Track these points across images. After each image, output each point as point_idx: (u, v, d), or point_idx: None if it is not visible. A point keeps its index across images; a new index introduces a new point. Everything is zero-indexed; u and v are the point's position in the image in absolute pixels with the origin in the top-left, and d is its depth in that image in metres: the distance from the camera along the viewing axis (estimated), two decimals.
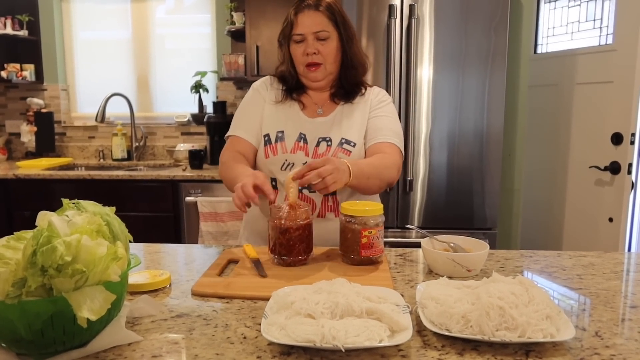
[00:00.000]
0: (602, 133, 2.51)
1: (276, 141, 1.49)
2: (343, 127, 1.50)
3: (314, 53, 1.45)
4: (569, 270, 1.21)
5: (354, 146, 1.48)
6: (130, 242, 0.93)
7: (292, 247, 1.22)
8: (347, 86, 1.54)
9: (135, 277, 1.10)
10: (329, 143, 1.48)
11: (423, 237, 1.29)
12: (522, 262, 1.30)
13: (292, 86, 1.55)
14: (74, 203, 0.86)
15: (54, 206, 0.88)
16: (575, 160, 2.75)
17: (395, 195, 2.68)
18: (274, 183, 1.52)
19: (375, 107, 1.54)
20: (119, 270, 0.78)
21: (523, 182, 3.30)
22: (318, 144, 1.49)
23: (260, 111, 1.55)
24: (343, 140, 1.48)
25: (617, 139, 2.42)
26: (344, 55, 1.50)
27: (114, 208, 0.90)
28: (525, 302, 0.85)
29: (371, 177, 1.35)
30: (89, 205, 0.86)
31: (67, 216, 0.78)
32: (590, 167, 2.57)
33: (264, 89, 1.58)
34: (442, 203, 2.69)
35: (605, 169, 2.48)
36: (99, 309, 0.73)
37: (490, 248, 1.25)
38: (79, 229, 0.76)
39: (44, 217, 0.83)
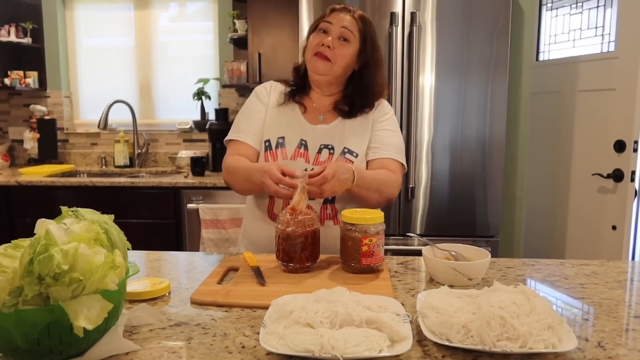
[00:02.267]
0: (604, 140, 2.50)
1: (276, 147, 1.49)
2: (346, 137, 1.50)
3: (329, 47, 1.44)
4: (571, 279, 1.20)
5: (356, 157, 1.47)
6: (129, 250, 0.93)
7: (294, 254, 1.22)
8: (357, 106, 1.52)
9: (134, 285, 1.10)
10: (332, 151, 1.48)
11: (425, 245, 1.28)
12: (524, 271, 1.29)
13: (299, 79, 1.55)
14: (72, 211, 0.86)
15: (56, 213, 0.87)
16: (578, 168, 2.74)
17: (397, 203, 2.67)
18: None
19: (379, 119, 1.54)
20: (117, 279, 0.78)
21: (525, 189, 3.29)
22: (320, 151, 1.48)
23: (262, 115, 1.54)
24: (346, 150, 1.47)
25: (619, 146, 2.41)
26: (366, 75, 1.49)
27: (112, 216, 0.90)
28: (526, 312, 0.84)
29: (371, 189, 1.37)
30: (87, 213, 0.85)
31: (65, 224, 0.78)
32: (593, 174, 2.56)
33: (266, 93, 1.58)
34: (444, 210, 2.68)
35: (608, 176, 2.47)
36: (95, 318, 0.73)
37: (493, 256, 1.24)
38: (77, 237, 0.76)
39: (42, 225, 0.82)
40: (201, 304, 1.05)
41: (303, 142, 1.49)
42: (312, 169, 1.45)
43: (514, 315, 0.82)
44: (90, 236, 0.78)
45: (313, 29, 1.51)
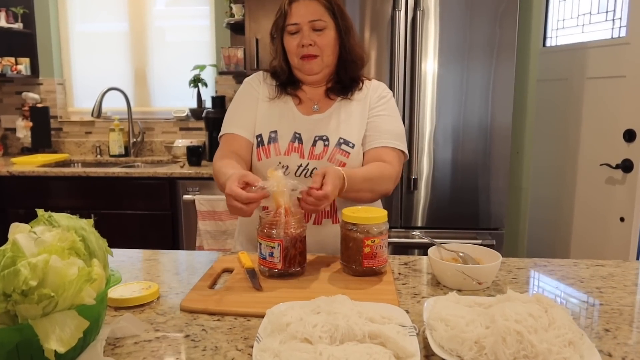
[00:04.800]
0: (613, 129, 2.42)
1: (269, 142, 1.39)
2: (341, 126, 1.40)
3: (310, 45, 1.34)
4: (587, 282, 1.13)
5: (352, 147, 1.38)
6: (111, 255, 0.85)
7: (283, 260, 1.12)
8: (345, 80, 1.44)
9: (121, 291, 1.02)
10: (327, 143, 1.38)
11: (430, 245, 1.21)
12: (536, 273, 1.21)
13: (285, 82, 1.45)
14: (47, 216, 0.78)
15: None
16: (586, 158, 2.66)
17: (399, 194, 2.59)
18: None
19: (375, 104, 1.44)
20: (94, 293, 0.70)
21: (531, 180, 3.20)
22: (314, 143, 1.39)
23: (254, 107, 1.44)
24: (341, 140, 1.38)
25: (629, 135, 2.33)
26: (341, 47, 1.40)
27: (91, 220, 0.82)
28: (545, 326, 0.77)
29: (362, 190, 1.28)
30: (63, 218, 0.78)
31: (35, 233, 0.70)
32: (601, 164, 2.48)
33: (257, 84, 1.48)
34: (447, 202, 2.60)
35: (617, 166, 2.39)
36: (69, 338, 0.65)
37: (497, 248, 1.18)
38: (48, 248, 0.68)
39: (14, 231, 0.75)
40: (191, 312, 0.97)
41: (297, 135, 1.39)
42: (308, 164, 1.37)
43: (532, 330, 0.75)
44: (64, 246, 0.70)
45: (281, 29, 1.39)
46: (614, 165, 2.41)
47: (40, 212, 0.82)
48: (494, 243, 2.48)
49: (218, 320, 0.94)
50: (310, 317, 0.81)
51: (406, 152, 1.44)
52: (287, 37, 1.38)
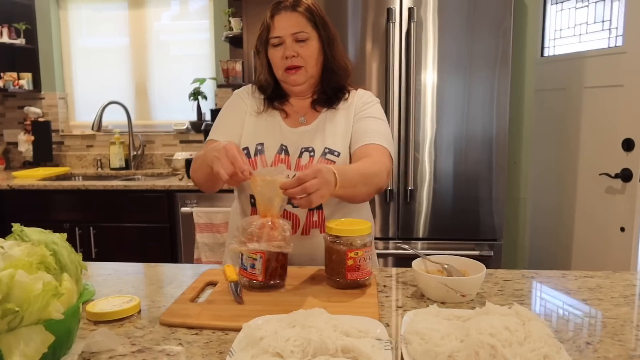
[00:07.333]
0: (612, 139, 2.40)
1: (255, 154, 1.40)
2: (326, 135, 1.41)
3: (294, 56, 1.36)
4: (573, 294, 1.11)
5: (337, 155, 1.38)
6: (84, 270, 0.85)
7: (263, 272, 1.12)
8: (329, 91, 1.45)
9: (102, 305, 1.02)
10: (312, 154, 1.39)
11: (413, 252, 1.20)
12: (523, 285, 1.20)
13: (271, 95, 1.47)
14: (20, 231, 0.78)
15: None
16: (585, 167, 2.64)
17: (396, 206, 2.58)
18: (252, 201, 1.42)
19: (360, 109, 1.45)
20: (62, 307, 0.70)
21: (530, 190, 3.18)
22: (300, 155, 1.40)
23: (241, 118, 1.46)
24: (327, 150, 1.39)
25: (628, 145, 2.31)
26: (325, 58, 1.42)
27: (64, 235, 0.82)
28: (520, 340, 0.75)
29: (358, 184, 1.23)
30: (34, 233, 0.78)
31: (3, 248, 0.70)
32: (600, 174, 2.46)
33: (245, 97, 1.50)
34: (447, 212, 2.58)
35: (616, 176, 2.37)
36: (33, 353, 0.65)
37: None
38: (15, 263, 0.68)
39: None
40: (170, 326, 0.97)
41: (283, 147, 1.41)
42: (295, 175, 1.37)
43: (506, 343, 0.74)
44: (31, 260, 0.70)
45: (265, 42, 1.41)
46: (613, 175, 2.39)
47: (16, 226, 0.82)
48: (492, 254, 2.46)
49: (196, 334, 0.93)
50: (284, 330, 0.81)
51: (392, 152, 1.41)
52: (271, 50, 1.40)
